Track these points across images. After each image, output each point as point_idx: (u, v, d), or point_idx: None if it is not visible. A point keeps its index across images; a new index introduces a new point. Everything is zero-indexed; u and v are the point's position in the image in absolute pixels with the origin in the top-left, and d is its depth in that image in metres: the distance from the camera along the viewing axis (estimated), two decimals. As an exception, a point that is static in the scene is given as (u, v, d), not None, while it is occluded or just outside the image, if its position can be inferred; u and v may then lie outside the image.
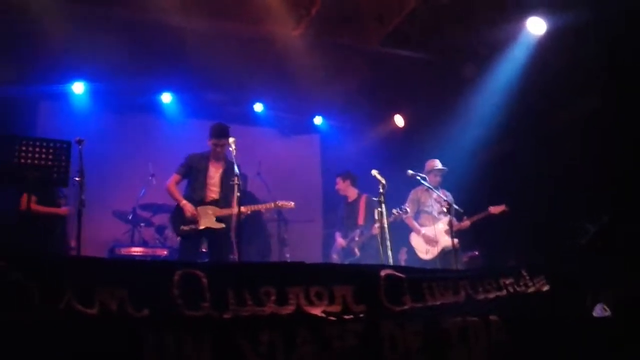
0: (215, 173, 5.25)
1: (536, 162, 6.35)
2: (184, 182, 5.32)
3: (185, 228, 5.02)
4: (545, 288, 3.46)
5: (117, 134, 7.13)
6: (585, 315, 3.72)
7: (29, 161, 3.75)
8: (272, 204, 5.43)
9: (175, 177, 5.27)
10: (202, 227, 5.03)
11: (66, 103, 7.21)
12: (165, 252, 6.22)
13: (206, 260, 5.40)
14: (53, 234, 5.32)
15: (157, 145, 7.31)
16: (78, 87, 7.14)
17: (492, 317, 3.08)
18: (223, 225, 5.06)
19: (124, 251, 6.09)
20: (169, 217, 5.42)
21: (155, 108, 7.68)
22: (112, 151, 6.03)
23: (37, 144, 3.81)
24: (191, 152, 5.34)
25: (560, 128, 6.20)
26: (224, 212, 5.10)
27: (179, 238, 5.33)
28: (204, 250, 5.45)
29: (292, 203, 5.45)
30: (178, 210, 5.15)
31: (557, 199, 5.99)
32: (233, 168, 5.00)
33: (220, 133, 5.15)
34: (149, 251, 6.25)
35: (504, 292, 3.31)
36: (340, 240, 6.50)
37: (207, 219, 5.06)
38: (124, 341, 2.22)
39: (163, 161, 6.83)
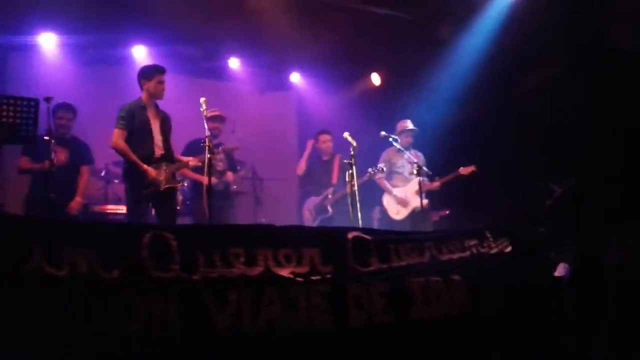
0: (155, 125, 4.86)
1: (507, 123, 6.44)
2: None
3: (147, 192, 4.65)
4: (508, 249, 3.57)
5: (87, 88, 6.96)
6: (546, 276, 3.87)
7: (-4, 119, 3.70)
8: (220, 149, 5.35)
9: (120, 132, 4.66)
10: (164, 188, 4.67)
11: (36, 55, 7.02)
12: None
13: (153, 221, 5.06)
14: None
15: (129, 101, 7.20)
16: (47, 39, 6.94)
17: (454, 277, 3.18)
18: (182, 182, 4.95)
19: (97, 209, 6.06)
20: (123, 179, 4.92)
21: (127, 62, 7.50)
22: (83, 106, 5.91)
23: (4, 101, 3.76)
24: (123, 103, 4.91)
25: (531, 90, 6.27)
26: (179, 166, 4.92)
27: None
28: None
29: (237, 145, 5.46)
30: (132, 171, 4.68)
31: (526, 161, 6.11)
32: (168, 118, 4.95)
33: (161, 68, 4.85)
34: (123, 208, 6.21)
35: (467, 253, 3.41)
36: (313, 198, 6.59)
37: (166, 179, 4.69)
38: (94, 302, 2.26)
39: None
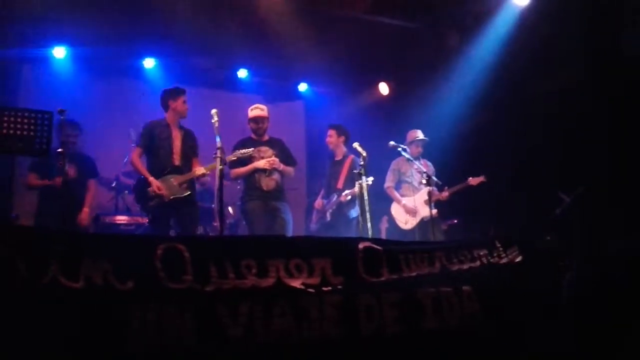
0: (177, 140, 5.12)
1: (517, 133, 6.44)
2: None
3: (152, 204, 4.88)
4: (518, 259, 3.56)
5: (99, 100, 7.07)
6: (556, 286, 3.86)
7: (11, 132, 3.74)
8: (233, 156, 5.09)
9: (137, 150, 5.07)
10: (169, 199, 4.87)
11: (48, 68, 7.13)
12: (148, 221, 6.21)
13: (175, 231, 5.18)
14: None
15: (140, 112, 7.26)
16: (59, 52, 7.04)
17: (465, 288, 3.18)
18: (189, 192, 4.96)
19: (108, 220, 6.09)
20: (134, 194, 5.24)
21: (137, 73, 7.62)
22: (94, 117, 6.00)
23: (19, 114, 3.79)
24: (148, 121, 5.19)
25: (540, 99, 6.27)
26: (187, 177, 4.98)
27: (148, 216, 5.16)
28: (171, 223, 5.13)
29: (251, 149, 5.20)
30: (142, 185, 4.96)
31: (536, 170, 6.11)
32: (190, 133, 5.13)
33: (182, 90, 5.20)
34: (132, 219, 6.25)
35: (478, 263, 3.41)
36: (319, 201, 6.40)
37: (173, 189, 4.91)
38: (110, 313, 2.29)
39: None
